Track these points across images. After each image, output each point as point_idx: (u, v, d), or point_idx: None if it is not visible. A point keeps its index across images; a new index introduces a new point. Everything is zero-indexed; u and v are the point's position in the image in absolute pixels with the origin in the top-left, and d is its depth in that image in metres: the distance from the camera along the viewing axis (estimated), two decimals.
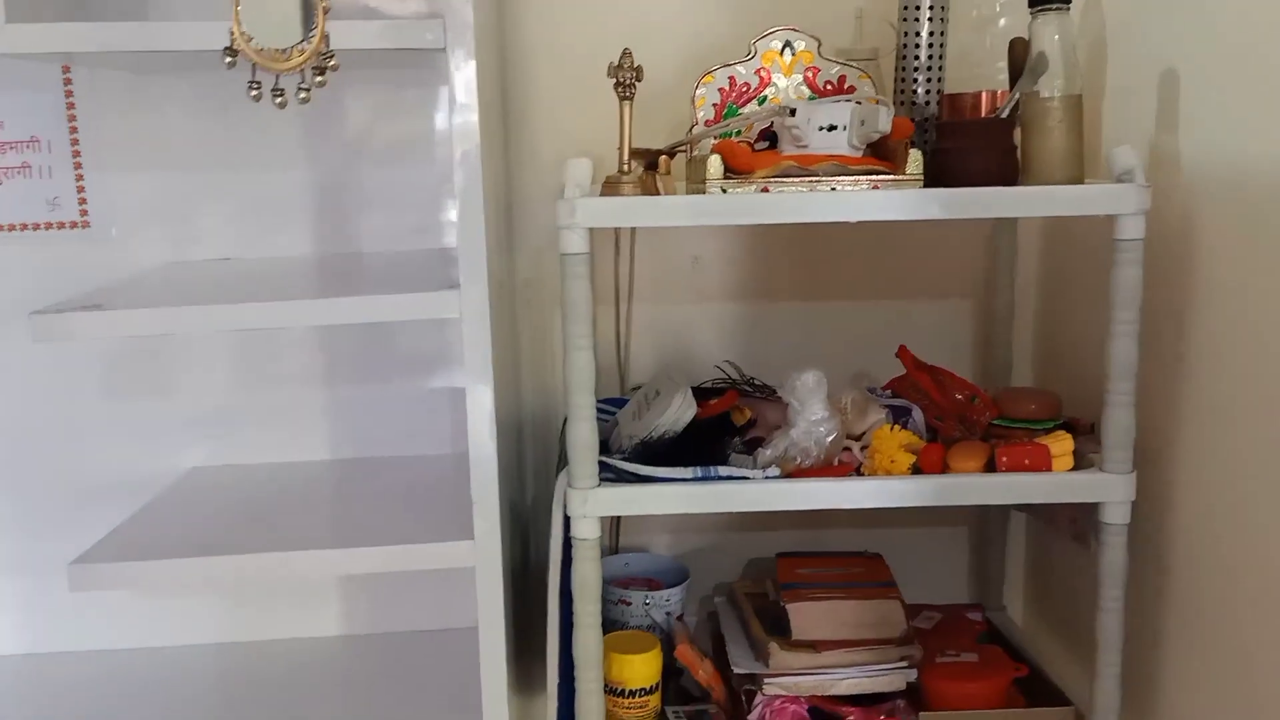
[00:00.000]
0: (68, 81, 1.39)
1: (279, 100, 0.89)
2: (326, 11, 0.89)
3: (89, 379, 1.45)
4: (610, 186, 1.18)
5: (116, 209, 1.42)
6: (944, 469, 1.17)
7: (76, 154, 1.41)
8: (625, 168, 1.20)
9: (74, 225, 1.43)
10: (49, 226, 1.42)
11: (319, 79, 0.83)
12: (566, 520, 1.16)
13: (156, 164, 1.41)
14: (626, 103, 1.19)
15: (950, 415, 1.26)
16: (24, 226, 1.42)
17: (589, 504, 1.14)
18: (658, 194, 1.21)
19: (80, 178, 1.42)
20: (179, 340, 1.45)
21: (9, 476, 1.46)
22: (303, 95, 0.89)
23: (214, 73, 1.38)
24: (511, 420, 1.44)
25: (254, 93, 0.88)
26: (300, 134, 1.41)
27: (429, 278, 1.19)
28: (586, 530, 1.15)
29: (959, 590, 1.56)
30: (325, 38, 0.81)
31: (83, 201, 1.42)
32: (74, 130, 1.41)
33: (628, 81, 1.18)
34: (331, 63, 0.86)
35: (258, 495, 1.34)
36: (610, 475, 1.17)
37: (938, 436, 1.24)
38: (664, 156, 1.28)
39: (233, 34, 0.85)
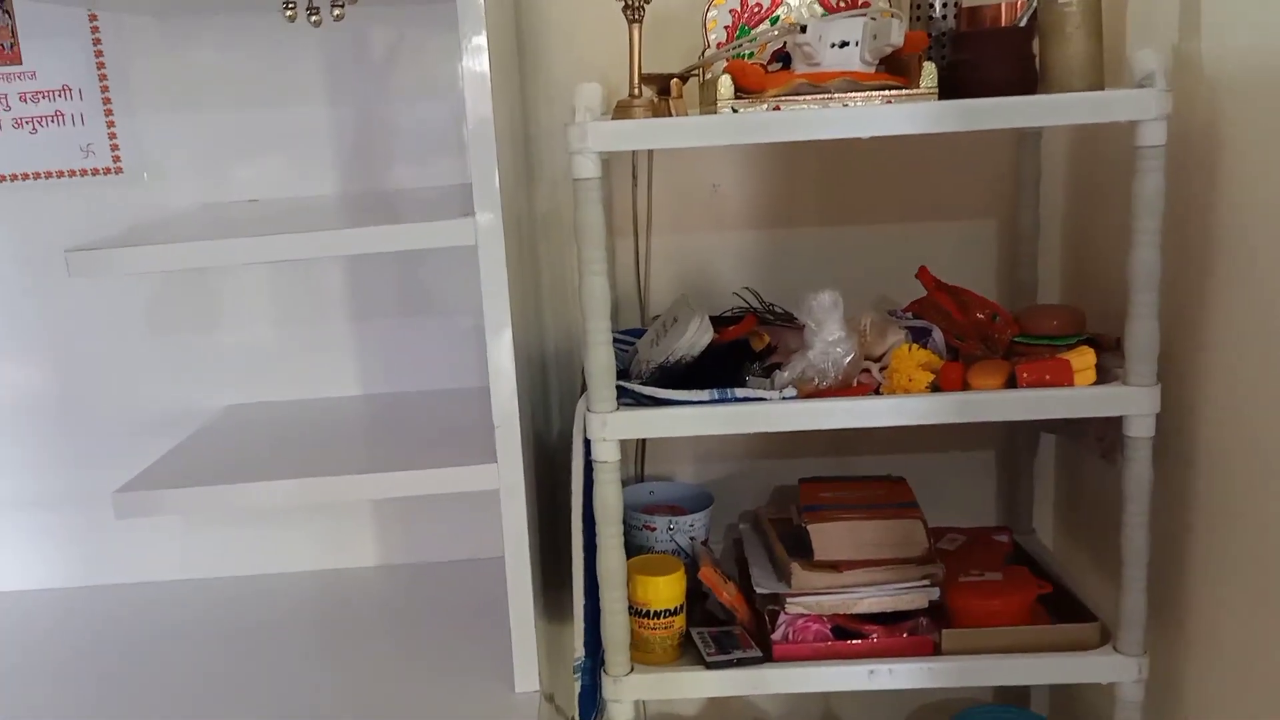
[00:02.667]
0: (95, 30, 1.42)
1: (314, 19, 0.89)
2: None
3: (129, 321, 1.49)
4: (622, 111, 1.18)
5: (148, 153, 1.45)
6: (964, 387, 1.16)
7: (107, 100, 1.44)
8: (636, 91, 1.20)
9: (107, 171, 1.46)
10: (83, 173, 1.46)
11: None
12: (588, 445, 1.18)
13: (185, 107, 1.43)
14: (636, 25, 1.19)
15: (971, 334, 1.25)
16: (59, 174, 1.46)
17: (608, 427, 1.16)
18: (662, 113, 1.20)
19: (111, 124, 1.45)
20: (213, 283, 1.48)
21: (56, 414, 1.51)
22: (337, 12, 0.89)
23: (237, 14, 1.42)
24: (535, 355, 1.46)
25: (289, 12, 0.88)
26: (326, 72, 1.43)
27: (449, 210, 1.21)
28: (606, 453, 1.17)
29: (988, 515, 1.56)
30: None
31: (114, 148, 1.46)
32: (103, 78, 1.44)
33: (636, 4, 1.18)
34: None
35: (292, 429, 1.38)
36: (629, 400, 1.19)
37: (959, 356, 1.23)
38: (676, 80, 1.27)
39: None
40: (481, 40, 1.08)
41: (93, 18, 1.41)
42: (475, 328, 1.49)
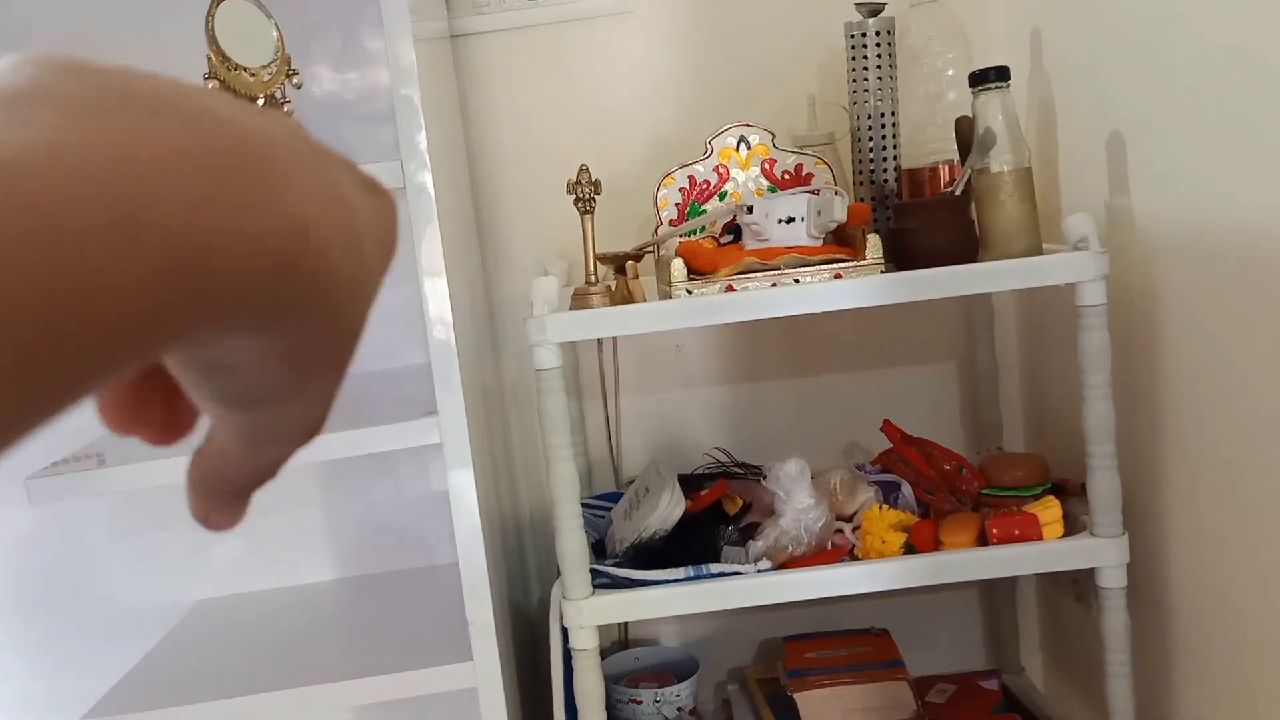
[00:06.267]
0: None
1: None
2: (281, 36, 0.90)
3: (94, 517, 1.48)
4: (579, 299, 1.20)
5: None
6: (936, 545, 1.17)
7: None
8: (592, 278, 1.23)
9: None
10: None
11: (295, 82, 0.85)
12: (565, 629, 1.18)
13: None
14: (588, 216, 1.22)
15: (940, 486, 1.26)
16: None
17: (585, 614, 1.15)
18: (629, 298, 1.23)
19: None
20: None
21: (20, 618, 1.49)
22: (287, 108, 0.90)
23: None
24: (510, 522, 1.46)
25: None
26: None
27: (413, 400, 1.22)
28: (584, 640, 1.16)
29: (975, 653, 1.55)
30: (288, 59, 0.83)
31: None
32: None
33: (586, 196, 1.22)
34: (296, 79, 0.87)
35: (265, 627, 1.36)
36: (605, 581, 1.18)
37: (929, 509, 1.24)
38: (631, 262, 1.31)
39: (210, 60, 0.84)
40: (438, 240, 1.11)
41: None
42: (445, 495, 1.51)
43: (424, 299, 1.13)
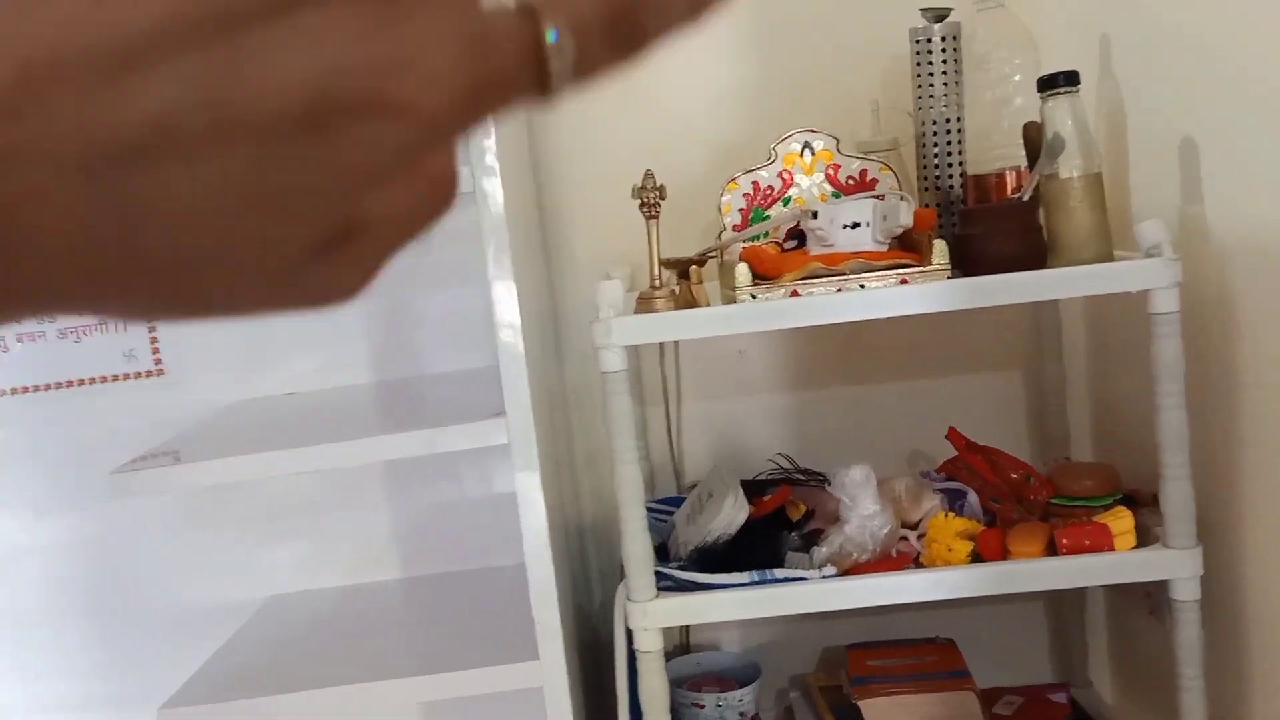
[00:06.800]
0: None
1: None
2: None
3: (171, 515, 1.52)
4: (644, 304, 1.21)
5: (187, 354, 1.50)
6: (1004, 554, 1.16)
7: None
8: (656, 283, 1.24)
9: (149, 374, 1.51)
10: (126, 377, 1.51)
11: None
12: (630, 630, 1.18)
13: None
14: (653, 221, 1.23)
15: (1006, 496, 1.25)
16: (104, 379, 1.51)
17: (649, 616, 1.16)
18: (692, 302, 1.24)
19: (153, 328, 1.51)
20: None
21: (95, 615, 1.53)
22: None
23: None
24: (572, 525, 1.47)
25: None
26: None
27: (480, 402, 1.24)
28: (649, 642, 1.17)
29: (1041, 667, 1.53)
30: None
31: (155, 351, 1.51)
32: None
33: (651, 201, 1.23)
34: None
35: (334, 624, 1.39)
36: (669, 583, 1.19)
37: (995, 519, 1.23)
38: (695, 267, 1.31)
39: None
40: (505, 246, 1.12)
41: None
42: (511, 496, 1.52)
43: (492, 303, 1.14)
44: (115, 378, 1.51)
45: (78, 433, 1.51)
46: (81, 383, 1.51)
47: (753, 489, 1.31)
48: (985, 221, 1.19)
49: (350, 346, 1.50)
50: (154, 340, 1.51)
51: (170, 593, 1.53)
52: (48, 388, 1.51)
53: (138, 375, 1.51)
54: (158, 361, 1.51)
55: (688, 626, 1.54)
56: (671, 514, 1.38)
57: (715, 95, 1.48)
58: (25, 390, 1.51)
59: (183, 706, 1.16)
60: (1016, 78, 1.31)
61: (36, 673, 1.55)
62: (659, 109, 1.48)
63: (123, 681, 1.54)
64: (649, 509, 1.43)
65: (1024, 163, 1.27)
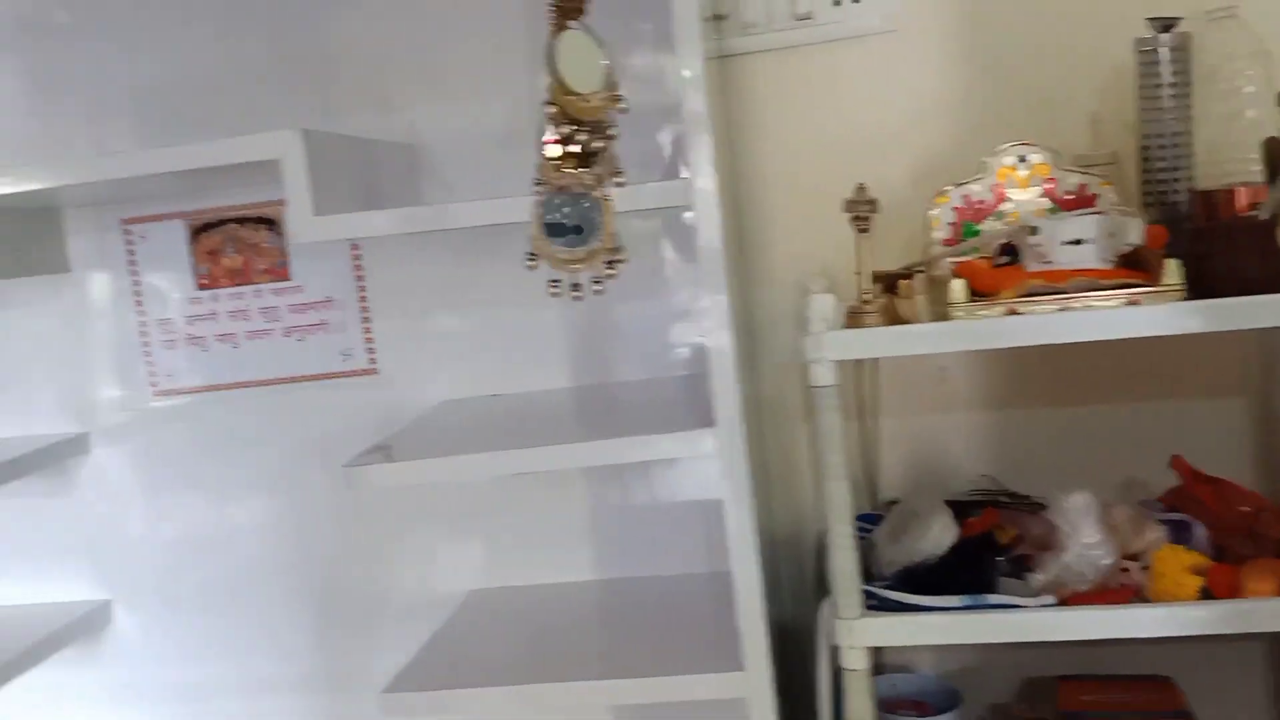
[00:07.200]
0: (355, 249, 1.58)
1: (576, 296, 0.92)
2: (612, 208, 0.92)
3: (378, 503, 1.60)
4: (854, 317, 1.21)
5: (399, 355, 1.58)
6: (1237, 591, 1.10)
7: (364, 310, 1.59)
8: (866, 297, 1.23)
9: (364, 373, 1.60)
10: (343, 375, 1.60)
11: (609, 272, 0.89)
12: (833, 647, 1.18)
13: (431, 311, 1.56)
14: (864, 234, 1.23)
15: (1235, 530, 1.18)
16: (321, 376, 1.61)
17: (856, 634, 1.15)
18: (897, 317, 1.23)
19: (368, 330, 1.59)
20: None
21: (301, 598, 1.62)
22: (597, 288, 0.92)
23: (475, 228, 1.54)
24: (764, 539, 1.47)
25: (554, 290, 0.91)
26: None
27: (680, 412, 1.26)
28: (856, 661, 1.16)
29: (1257, 709, 1.44)
30: (612, 234, 0.87)
31: (370, 351, 1.60)
32: (362, 289, 1.59)
33: (864, 215, 1.22)
34: (621, 256, 0.89)
35: (533, 621, 1.43)
36: (874, 603, 1.18)
37: (1223, 554, 1.17)
38: (906, 281, 1.30)
39: (534, 238, 0.89)
40: (719, 259, 1.14)
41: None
42: (700, 504, 1.54)
43: (704, 312, 1.16)
44: (332, 375, 1.61)
45: (297, 424, 1.60)
46: (303, 379, 1.61)
47: (956, 510, 1.28)
48: (1221, 240, 1.14)
49: (549, 352, 1.55)
50: (369, 341, 1.59)
51: (373, 581, 1.61)
52: (273, 382, 1.62)
53: (353, 374, 1.60)
54: (372, 362, 1.60)
55: (879, 646, 1.52)
56: (867, 531, 1.36)
57: (919, 108, 1.46)
58: (252, 385, 1.62)
59: (405, 693, 1.22)
60: (1249, 89, 1.25)
61: (247, 650, 1.66)
62: (859, 121, 1.47)
63: (326, 664, 1.63)
64: None
65: (1256, 178, 1.20)
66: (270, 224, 1.59)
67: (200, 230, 1.61)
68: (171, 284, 1.62)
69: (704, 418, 1.17)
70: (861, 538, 1.35)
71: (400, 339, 1.58)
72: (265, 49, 1.53)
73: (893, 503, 1.39)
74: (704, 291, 1.16)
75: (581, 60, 0.85)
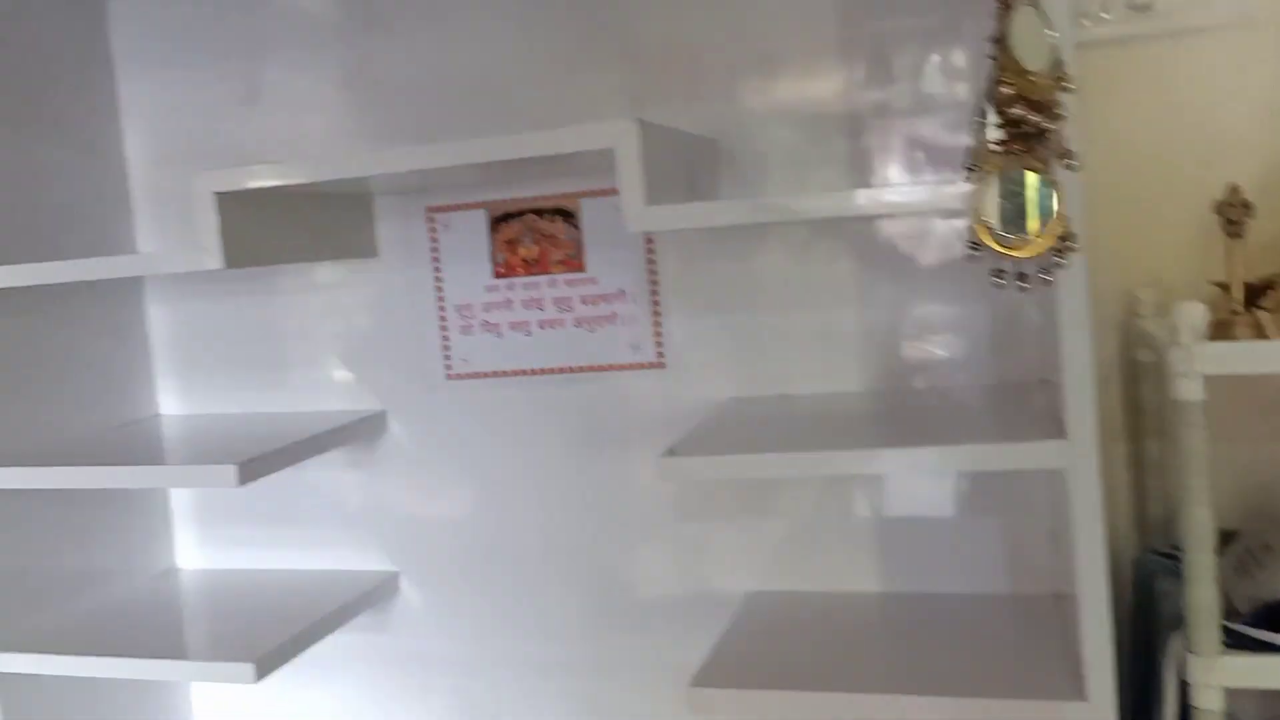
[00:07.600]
0: (650, 243, 1.59)
1: (1021, 286, 0.86)
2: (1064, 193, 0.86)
3: (656, 497, 1.61)
4: (1221, 329, 1.12)
5: (686, 349, 1.58)
6: None
7: (656, 303, 1.60)
8: (1237, 308, 1.14)
9: (651, 365, 1.61)
10: (631, 367, 1.62)
11: (1059, 260, 0.84)
12: (1182, 684, 1.09)
13: (721, 307, 1.55)
14: (1236, 239, 1.14)
15: None
16: (610, 368, 1.63)
17: (1214, 673, 1.06)
18: (1262, 331, 1.13)
19: (657, 324, 1.60)
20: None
21: (580, 585, 1.65)
22: (1045, 278, 0.87)
23: (778, 225, 1.52)
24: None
25: (997, 281, 0.86)
26: (855, 275, 1.49)
27: (988, 421, 1.19)
28: (1210, 700, 1.07)
29: None
30: (1064, 218, 0.82)
31: (659, 345, 1.60)
32: (654, 283, 1.59)
33: (1237, 219, 1.13)
34: (1073, 244, 0.84)
35: (821, 628, 1.40)
36: (1230, 640, 1.09)
37: None
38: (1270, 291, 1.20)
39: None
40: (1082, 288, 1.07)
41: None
42: (1000, 525, 1.46)
43: (1065, 315, 1.09)
44: (620, 366, 1.62)
45: (583, 413, 1.63)
46: (591, 369, 1.63)
47: None
48: None
49: (837, 353, 1.51)
50: (658, 335, 1.60)
51: (646, 573, 1.62)
52: (562, 371, 1.65)
53: (641, 366, 1.61)
54: (660, 355, 1.60)
55: None
56: (1177, 560, 1.26)
57: (1269, 105, 1.34)
58: (541, 372, 1.66)
59: (711, 688, 1.21)
60: None
61: (518, 631, 1.70)
62: (1205, 119, 1.37)
63: (595, 651, 1.65)
64: (1160, 554, 1.33)
65: None
66: (568, 215, 1.62)
67: (500, 220, 1.66)
68: (470, 271, 1.67)
69: (1045, 429, 1.11)
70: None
71: (689, 333, 1.57)
72: (575, 40, 1.55)
73: (1229, 534, 1.29)
74: (1060, 294, 1.09)
75: (1032, 39, 0.81)
